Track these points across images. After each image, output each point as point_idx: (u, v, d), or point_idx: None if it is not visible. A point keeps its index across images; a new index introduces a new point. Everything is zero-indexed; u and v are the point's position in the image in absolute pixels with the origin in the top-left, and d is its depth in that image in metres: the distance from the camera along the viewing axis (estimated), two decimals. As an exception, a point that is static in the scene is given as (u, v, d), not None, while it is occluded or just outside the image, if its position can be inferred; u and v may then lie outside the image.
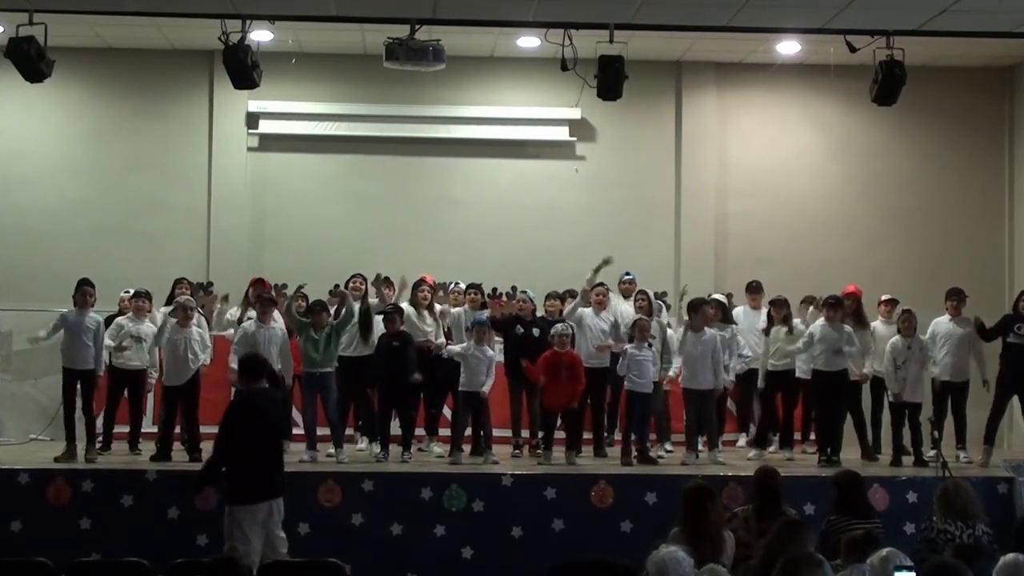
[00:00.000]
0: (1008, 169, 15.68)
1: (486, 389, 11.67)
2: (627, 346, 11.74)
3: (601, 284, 12.46)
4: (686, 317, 12.14)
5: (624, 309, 12.64)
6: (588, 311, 12.28)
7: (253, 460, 8.62)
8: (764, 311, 12.83)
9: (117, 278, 13.16)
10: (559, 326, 11.83)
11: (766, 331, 12.44)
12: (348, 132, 15.37)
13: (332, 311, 11.82)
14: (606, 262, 12.51)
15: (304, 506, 10.48)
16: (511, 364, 12.15)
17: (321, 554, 8.62)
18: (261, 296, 12.03)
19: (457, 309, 12.51)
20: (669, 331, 12.34)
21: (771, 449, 12.51)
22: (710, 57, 15.33)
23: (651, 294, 12.42)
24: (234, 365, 11.69)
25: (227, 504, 8.65)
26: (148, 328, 12.10)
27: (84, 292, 11.67)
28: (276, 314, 11.98)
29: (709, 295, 12.91)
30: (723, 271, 15.32)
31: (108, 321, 12.11)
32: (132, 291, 12.51)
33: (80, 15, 12.72)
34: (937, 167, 15.73)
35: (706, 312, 11.99)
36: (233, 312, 12.81)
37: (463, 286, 12.73)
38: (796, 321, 12.43)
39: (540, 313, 12.53)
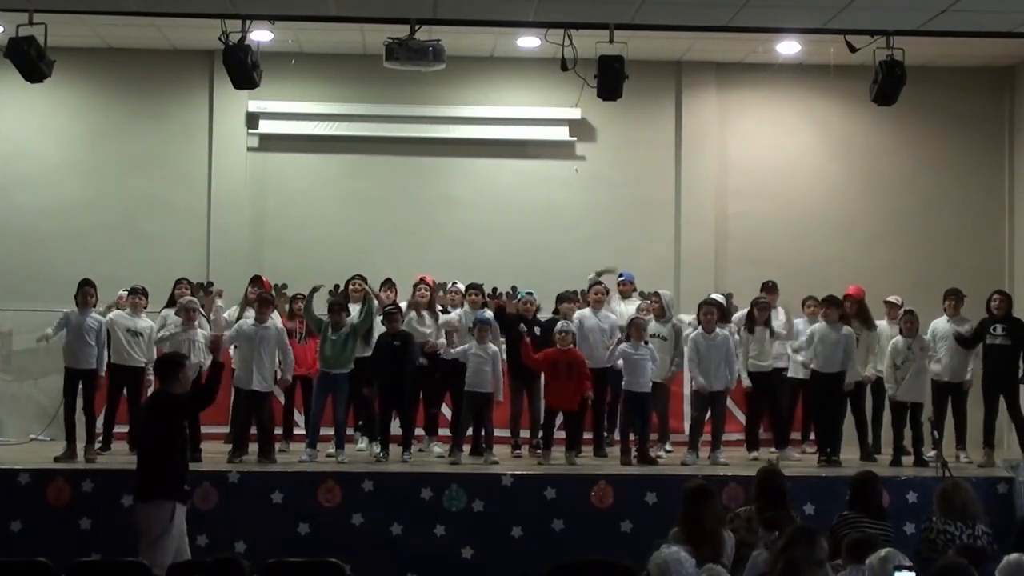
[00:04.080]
0: (1008, 169, 15.68)
1: (500, 398, 11.74)
2: (623, 345, 11.76)
3: (599, 283, 12.48)
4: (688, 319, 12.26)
5: (623, 309, 12.65)
6: (587, 312, 12.28)
7: None
8: (780, 310, 12.78)
9: (117, 278, 13.13)
10: (561, 324, 11.82)
11: (750, 330, 12.39)
12: (348, 132, 15.37)
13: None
14: (608, 271, 12.61)
15: (304, 506, 10.51)
16: (513, 364, 12.16)
17: (321, 554, 8.61)
18: (260, 295, 12.03)
19: (457, 311, 12.47)
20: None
21: (772, 451, 12.51)
22: (710, 57, 15.33)
23: (665, 297, 12.39)
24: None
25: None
26: (145, 324, 12.12)
27: (84, 292, 11.68)
28: (275, 314, 12.01)
29: (709, 296, 12.92)
30: (723, 271, 15.32)
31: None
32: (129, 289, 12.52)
33: (80, 15, 12.73)
34: (937, 167, 15.73)
35: (706, 313, 12.01)
36: (232, 311, 12.80)
37: (461, 286, 12.70)
38: (798, 321, 12.43)
39: (544, 314, 12.54)
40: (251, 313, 12.01)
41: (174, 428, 8.51)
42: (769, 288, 13.12)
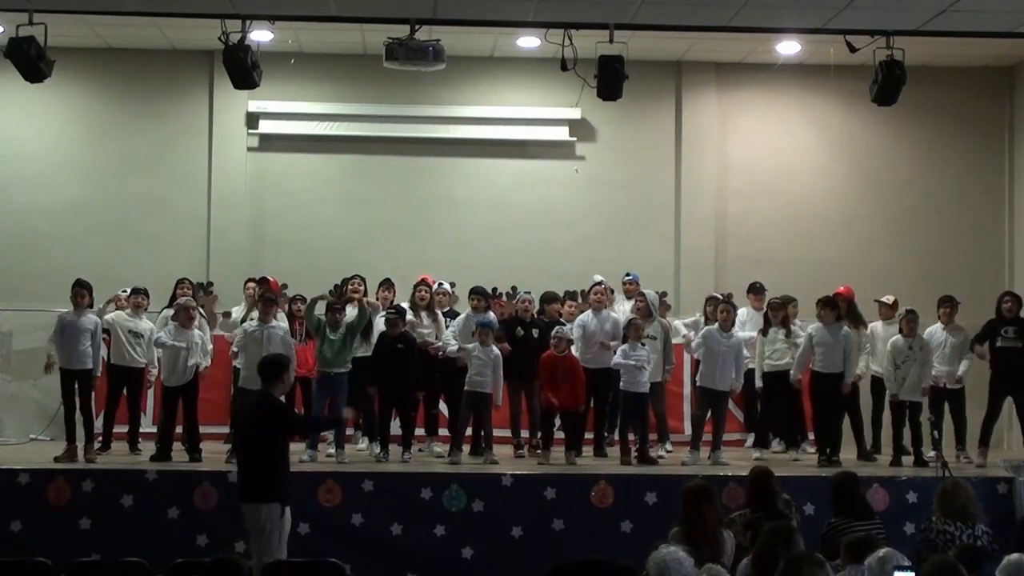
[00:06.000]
0: (1008, 169, 15.68)
1: (499, 402, 11.75)
2: (622, 346, 11.75)
3: (599, 284, 12.48)
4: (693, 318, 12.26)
5: (626, 308, 12.66)
6: (588, 315, 12.30)
7: None
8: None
9: (117, 278, 13.14)
10: (556, 329, 11.82)
11: (763, 332, 12.42)
12: (348, 132, 15.37)
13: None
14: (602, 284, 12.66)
15: (304, 506, 10.47)
16: (510, 365, 12.14)
17: (321, 554, 8.62)
18: (264, 296, 12.04)
19: (460, 316, 12.47)
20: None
21: (774, 449, 12.51)
22: (710, 57, 15.33)
23: (649, 296, 12.39)
24: (237, 364, 11.76)
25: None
26: (146, 325, 12.12)
27: (77, 293, 11.67)
28: (281, 314, 12.02)
29: (711, 294, 12.93)
30: (723, 271, 15.32)
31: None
32: (130, 289, 12.52)
33: (80, 15, 12.73)
34: (937, 167, 15.72)
35: (723, 311, 12.02)
36: (239, 311, 12.81)
37: (447, 286, 12.72)
38: (799, 323, 12.44)
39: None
40: (255, 314, 12.01)
41: (277, 432, 8.59)
42: (756, 289, 13.15)
